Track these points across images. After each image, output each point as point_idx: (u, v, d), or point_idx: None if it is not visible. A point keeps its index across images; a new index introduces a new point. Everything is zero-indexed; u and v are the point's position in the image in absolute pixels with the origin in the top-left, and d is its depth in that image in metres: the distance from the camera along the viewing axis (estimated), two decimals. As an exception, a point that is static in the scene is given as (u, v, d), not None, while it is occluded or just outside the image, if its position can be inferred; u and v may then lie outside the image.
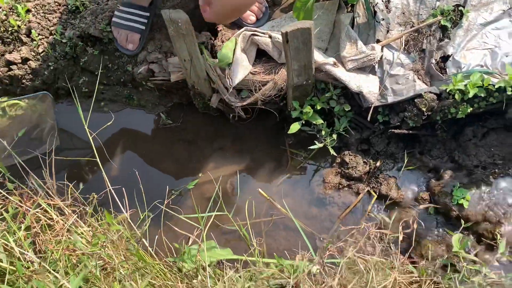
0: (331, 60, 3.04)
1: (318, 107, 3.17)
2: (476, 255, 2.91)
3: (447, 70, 3.00)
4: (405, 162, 3.20)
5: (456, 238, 2.50)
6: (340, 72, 3.02)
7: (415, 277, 2.42)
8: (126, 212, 2.38)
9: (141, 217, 2.70)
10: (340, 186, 3.30)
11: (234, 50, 3.11)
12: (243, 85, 3.19)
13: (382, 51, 3.11)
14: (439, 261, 2.59)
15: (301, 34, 2.61)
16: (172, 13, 2.62)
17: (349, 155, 3.31)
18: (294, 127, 3.20)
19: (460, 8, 3.08)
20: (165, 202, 2.73)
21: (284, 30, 2.59)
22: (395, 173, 3.30)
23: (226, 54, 3.08)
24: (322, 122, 3.25)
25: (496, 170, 3.10)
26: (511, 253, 2.87)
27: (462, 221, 2.86)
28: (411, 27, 3.12)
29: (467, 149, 3.15)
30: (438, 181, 3.15)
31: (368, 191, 3.26)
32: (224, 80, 3.14)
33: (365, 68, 3.16)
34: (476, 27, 3.03)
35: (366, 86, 3.05)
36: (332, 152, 3.24)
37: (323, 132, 3.27)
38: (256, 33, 3.12)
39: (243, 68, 3.10)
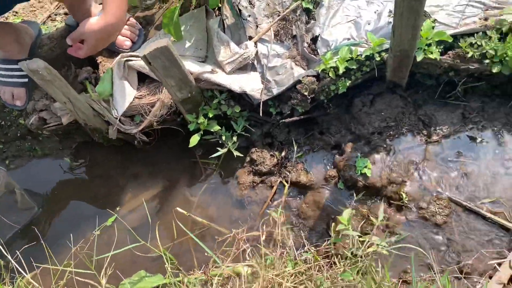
0: (208, 68, 3.16)
1: (211, 115, 3.29)
2: (388, 219, 3.10)
3: (318, 50, 3.16)
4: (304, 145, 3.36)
5: (346, 213, 2.66)
6: (219, 78, 3.15)
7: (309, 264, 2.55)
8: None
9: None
10: (255, 184, 3.44)
11: (112, 79, 3.20)
12: (132, 111, 3.29)
13: (256, 46, 3.24)
14: (332, 240, 2.74)
15: (161, 53, 2.72)
16: (29, 64, 2.69)
17: (256, 151, 3.44)
18: (194, 140, 3.31)
19: (318, -12, 3.24)
20: (73, 249, 2.82)
21: (142, 53, 2.69)
22: (302, 158, 3.46)
23: (104, 86, 3.17)
24: (220, 128, 3.37)
25: (391, 132, 3.28)
26: (418, 209, 3.06)
27: (355, 194, 3.04)
28: (278, 17, 3.26)
29: (361, 119, 3.32)
30: (341, 156, 3.31)
31: (280, 182, 3.40)
32: (112, 111, 3.23)
33: (245, 66, 3.29)
34: (336, 2, 3.20)
35: (249, 85, 3.18)
36: (236, 154, 3.37)
37: (223, 137, 3.39)
38: (130, 58, 3.22)
39: (126, 95, 3.19)
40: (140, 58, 3.20)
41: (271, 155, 3.40)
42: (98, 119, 3.25)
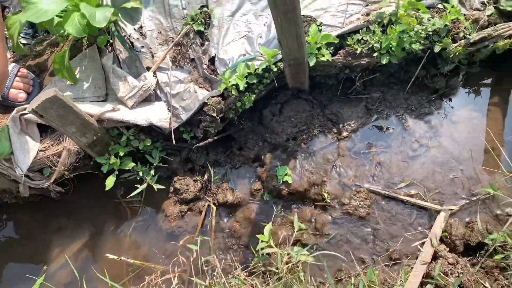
0: (109, 106, 3.11)
1: (122, 153, 3.24)
2: (315, 221, 3.19)
3: (217, 70, 3.21)
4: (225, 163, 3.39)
5: (266, 231, 2.71)
6: (122, 115, 3.11)
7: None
8: None
9: None
10: (183, 213, 3.42)
11: (10, 136, 3.08)
12: (39, 165, 3.17)
13: (155, 76, 3.24)
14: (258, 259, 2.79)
15: (52, 103, 2.64)
16: None
17: (179, 180, 3.43)
18: (109, 182, 3.24)
19: (205, 8, 3.29)
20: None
21: (30, 108, 2.61)
22: (226, 177, 3.48)
23: (2, 145, 3.04)
24: (135, 164, 3.33)
25: (304, 136, 3.39)
26: (341, 206, 3.17)
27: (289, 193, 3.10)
28: (172, 43, 3.28)
29: (274, 129, 3.40)
30: (262, 168, 3.37)
31: (208, 205, 3.41)
32: (16, 169, 3.10)
33: (149, 97, 3.28)
34: (225, 21, 3.26)
35: (155, 115, 3.16)
36: (156, 187, 3.34)
37: (141, 173, 3.35)
38: (25, 111, 3.11)
39: (28, 150, 3.08)
40: (36, 109, 3.10)
41: (194, 180, 3.40)
42: (4, 180, 3.11)
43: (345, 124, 3.28)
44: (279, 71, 3.06)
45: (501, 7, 3.03)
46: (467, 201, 2.95)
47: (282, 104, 3.35)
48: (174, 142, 3.16)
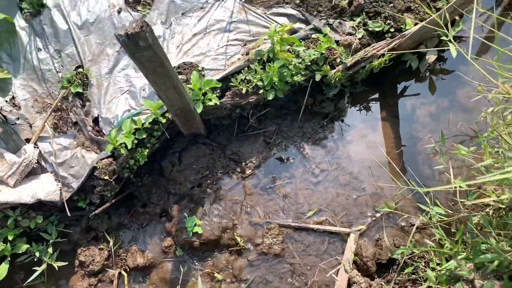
0: (-14, 190, 2.84)
1: (11, 237, 2.96)
2: (232, 268, 3.10)
3: (103, 130, 3.06)
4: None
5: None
6: (4, 196, 2.85)
7: None
8: None
9: None
10: (93, 287, 3.18)
11: None
12: None
13: (36, 147, 3.02)
14: None
15: None
16: None
17: (83, 252, 3.19)
18: (2, 271, 2.94)
19: (81, 69, 3.15)
20: None
21: None
22: (134, 239, 3.30)
23: None
24: (28, 246, 3.06)
25: (208, 181, 3.32)
26: (255, 247, 3.12)
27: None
28: (50, 109, 3.08)
29: (176, 179, 3.30)
30: (171, 222, 3.24)
31: (119, 272, 3.20)
32: None
33: (33, 171, 3.04)
34: (104, 78, 3.14)
35: (42, 190, 2.93)
36: (57, 266, 3.09)
37: (38, 253, 3.08)
38: None
39: None
40: None
41: (99, 249, 3.18)
42: None
43: (247, 161, 3.27)
44: (169, 121, 2.98)
45: (370, 29, 3.21)
46: (373, 219, 3.03)
47: (181, 152, 3.27)
48: (69, 213, 2.94)
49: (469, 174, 2.99)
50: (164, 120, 2.96)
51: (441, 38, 3.28)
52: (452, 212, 2.67)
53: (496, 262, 2.16)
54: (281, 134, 3.35)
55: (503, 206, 2.36)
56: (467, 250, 2.42)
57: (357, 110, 3.44)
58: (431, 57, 3.30)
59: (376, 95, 3.50)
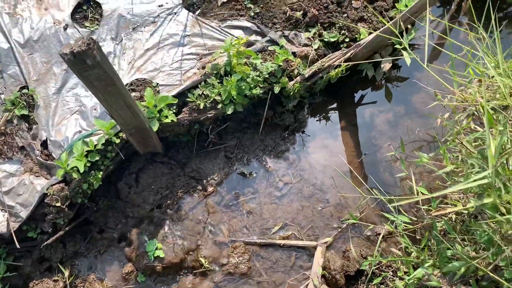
0: None
1: (-47, 276, 2.70)
2: (197, 290, 2.97)
3: (53, 154, 2.88)
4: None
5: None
6: None
7: None
8: None
9: None
10: (48, 323, 2.95)
11: None
12: None
13: (-22, 176, 2.79)
14: None
15: None
16: None
17: (35, 285, 2.95)
18: None
19: (25, 90, 2.96)
20: None
21: None
22: (91, 267, 3.11)
23: None
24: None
25: (169, 201, 3.18)
26: (221, 267, 3.01)
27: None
28: (-7, 134, 2.87)
29: (134, 201, 3.14)
30: (130, 246, 3.07)
31: (76, 306, 2.99)
32: None
33: (-25, 202, 2.80)
34: (52, 99, 2.96)
35: (-15, 221, 2.71)
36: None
37: (-16, 292, 2.83)
38: None
39: None
40: None
41: (54, 280, 2.97)
42: None
43: (209, 178, 3.17)
44: (123, 141, 2.83)
45: (326, 39, 3.21)
46: (339, 230, 3.00)
47: (137, 172, 3.13)
48: (18, 245, 2.73)
49: (430, 180, 3.02)
50: (118, 140, 2.82)
51: (395, 46, 3.35)
52: (416, 219, 2.67)
53: (463, 269, 2.16)
54: (242, 149, 3.28)
55: (465, 212, 2.38)
56: (433, 257, 2.42)
57: (317, 121, 3.43)
58: (386, 65, 3.34)
59: (335, 105, 3.51)
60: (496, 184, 1.58)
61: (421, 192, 2.66)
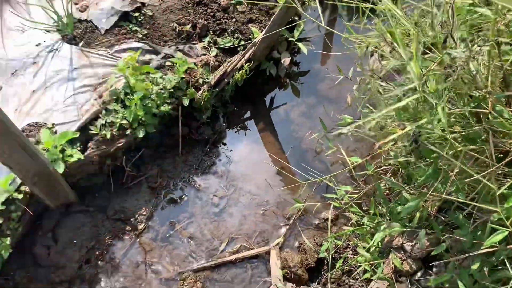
0: None
1: None
2: None
3: None
4: None
5: None
6: None
7: None
8: None
9: None
10: None
11: None
12: None
13: None
14: None
15: None
16: None
17: None
18: None
19: None
20: None
21: None
22: None
23: None
24: None
25: (97, 252, 2.80)
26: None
27: None
28: None
29: (57, 262, 2.71)
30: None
31: None
32: None
33: None
34: None
35: None
36: None
37: None
38: None
39: None
40: None
41: None
42: None
43: (137, 216, 2.88)
44: (28, 195, 2.47)
45: (222, 46, 3.19)
46: (288, 227, 2.86)
47: (54, 230, 2.74)
48: None
49: (359, 154, 3.05)
50: (21, 196, 2.46)
51: (289, 39, 3.44)
52: (358, 189, 2.64)
53: (418, 215, 2.12)
54: (165, 174, 3.06)
55: (399, 163, 2.38)
56: (386, 220, 2.37)
57: (235, 128, 3.37)
58: (286, 60, 3.41)
59: (249, 110, 3.49)
60: (423, 100, 1.57)
61: (354, 161, 2.65)
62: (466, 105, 1.75)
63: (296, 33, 3.44)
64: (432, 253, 2.01)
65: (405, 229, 2.10)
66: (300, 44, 3.41)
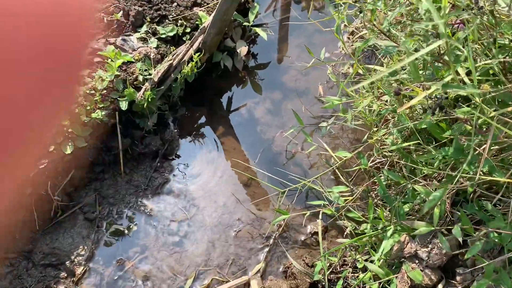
0: None
1: None
2: None
3: None
4: None
5: None
6: None
7: None
8: None
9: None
10: None
11: None
12: None
13: None
14: None
15: None
16: None
17: None
18: None
19: None
20: None
21: None
22: None
23: None
24: None
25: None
26: None
27: None
28: None
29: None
30: None
31: None
32: None
33: None
34: None
35: None
36: None
37: None
38: None
39: None
40: None
41: None
42: None
43: (73, 257, 2.36)
44: None
45: (163, 35, 2.77)
46: (267, 249, 2.42)
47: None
48: None
49: (345, 149, 2.68)
50: None
51: (243, 24, 3.07)
52: (351, 188, 2.27)
53: (436, 211, 1.75)
54: (106, 201, 2.57)
55: (398, 152, 2.03)
56: (391, 222, 1.99)
57: (190, 136, 2.96)
58: (242, 49, 3.05)
59: (204, 112, 3.09)
60: (451, 48, 1.20)
61: (342, 156, 2.28)
62: (494, 57, 1.40)
63: (251, 17, 3.07)
64: (466, 255, 1.64)
65: (432, 228, 1.71)
66: (258, 29, 3.04)
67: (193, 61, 2.71)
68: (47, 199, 2.40)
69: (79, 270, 2.35)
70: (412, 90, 1.33)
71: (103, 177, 2.61)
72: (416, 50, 1.38)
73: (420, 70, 1.44)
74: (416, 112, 1.88)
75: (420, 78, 1.31)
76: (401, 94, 1.36)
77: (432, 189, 1.71)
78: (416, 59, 1.29)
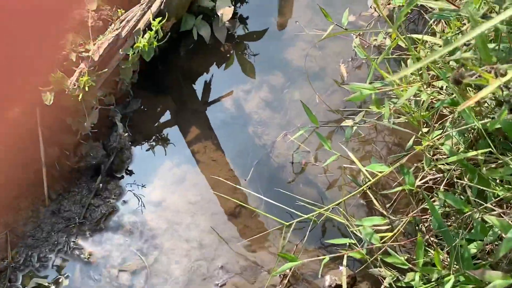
0: None
1: None
2: None
3: None
4: None
5: None
6: None
7: None
8: None
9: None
10: None
11: None
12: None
13: None
14: None
15: None
16: None
17: None
18: None
19: None
20: None
21: None
22: None
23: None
24: None
25: None
26: None
27: None
28: None
29: None
30: None
31: None
32: None
33: None
34: None
35: None
36: None
37: None
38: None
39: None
40: None
41: None
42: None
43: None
44: None
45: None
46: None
47: None
48: None
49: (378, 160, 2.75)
50: None
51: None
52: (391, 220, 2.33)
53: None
54: (22, 242, 2.70)
55: (461, 164, 2.07)
56: (451, 271, 2.06)
57: (147, 142, 3.10)
58: (225, 12, 3.26)
59: (169, 106, 3.24)
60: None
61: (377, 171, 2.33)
62: None
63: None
64: None
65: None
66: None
67: (152, 30, 2.80)
68: None
69: None
70: (480, 76, 1.34)
71: (18, 206, 2.70)
72: (485, 17, 1.40)
73: (491, 45, 1.48)
74: (486, 106, 1.91)
75: (491, 58, 1.34)
76: (464, 81, 1.37)
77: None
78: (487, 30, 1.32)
